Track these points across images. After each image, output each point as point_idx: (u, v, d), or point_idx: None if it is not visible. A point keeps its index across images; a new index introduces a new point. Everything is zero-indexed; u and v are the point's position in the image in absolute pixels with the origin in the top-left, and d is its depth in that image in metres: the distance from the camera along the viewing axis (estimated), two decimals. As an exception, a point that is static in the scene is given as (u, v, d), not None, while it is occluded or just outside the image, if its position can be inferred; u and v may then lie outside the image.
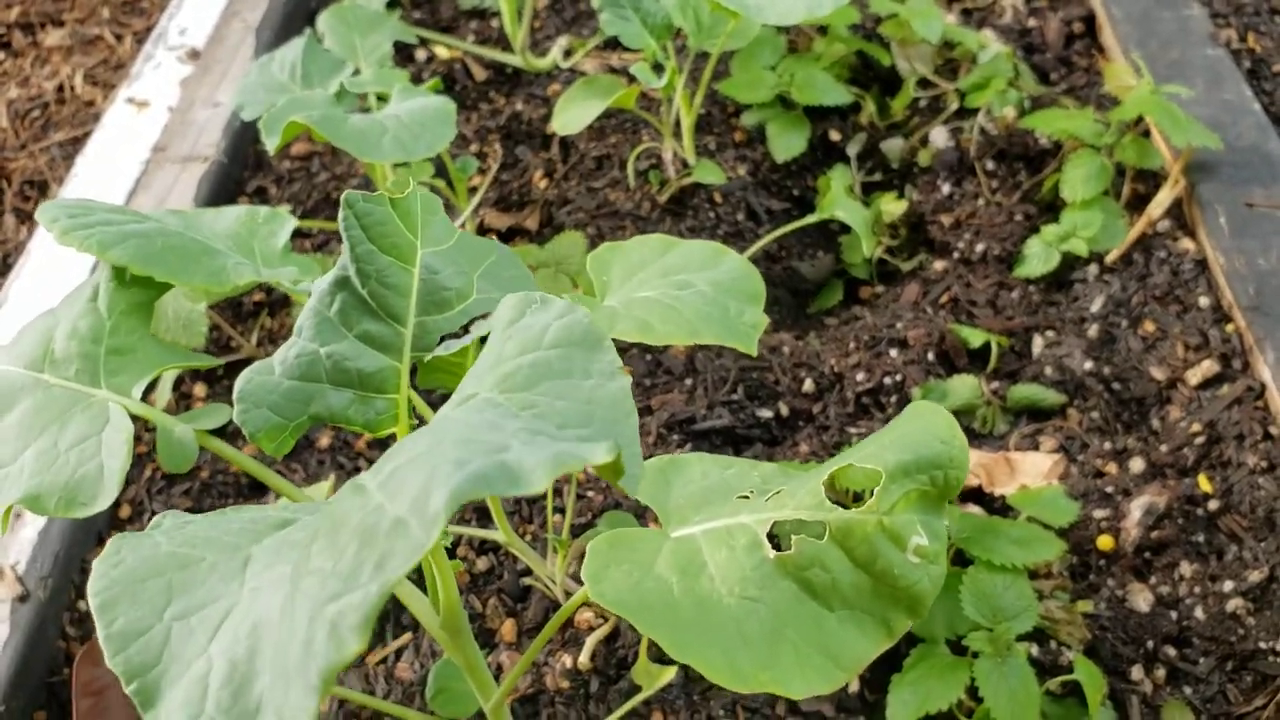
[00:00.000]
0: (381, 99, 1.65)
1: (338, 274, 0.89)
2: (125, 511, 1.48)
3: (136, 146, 1.95)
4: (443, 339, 0.93)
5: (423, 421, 1.47)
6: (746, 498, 0.91)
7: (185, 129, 1.97)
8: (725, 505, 0.90)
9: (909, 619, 0.85)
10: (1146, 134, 1.62)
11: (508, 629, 1.26)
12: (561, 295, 1.07)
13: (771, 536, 0.86)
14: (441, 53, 2.13)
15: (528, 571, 1.30)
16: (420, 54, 2.14)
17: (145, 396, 1.03)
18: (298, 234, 1.81)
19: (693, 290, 1.08)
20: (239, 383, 0.87)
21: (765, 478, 0.97)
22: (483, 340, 0.93)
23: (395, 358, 0.90)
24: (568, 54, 2.04)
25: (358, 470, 1.46)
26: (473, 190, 1.84)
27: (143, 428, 1.51)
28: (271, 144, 1.38)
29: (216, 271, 1.04)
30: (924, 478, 0.86)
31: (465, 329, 0.94)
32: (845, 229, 1.77)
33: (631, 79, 1.80)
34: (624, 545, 0.85)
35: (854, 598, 0.85)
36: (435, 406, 1.27)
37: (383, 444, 1.45)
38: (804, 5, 1.52)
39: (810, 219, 1.68)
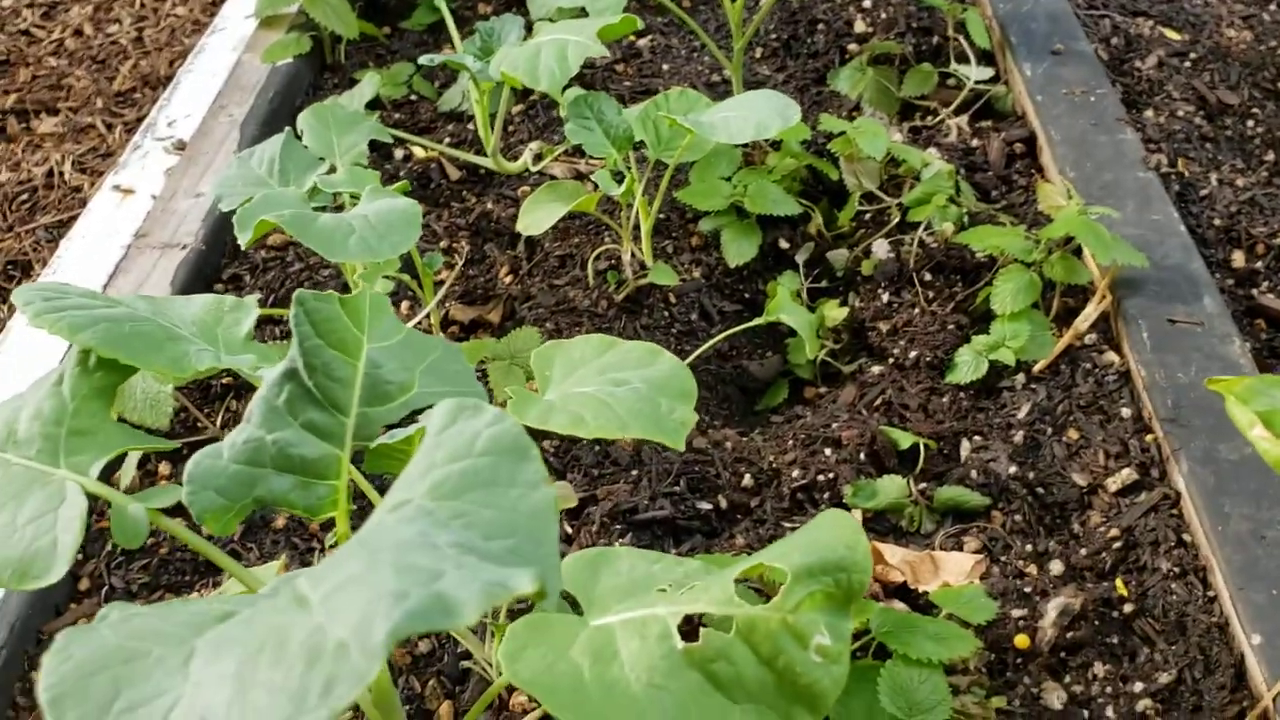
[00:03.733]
0: (354, 198, 1.73)
1: (287, 365, 0.96)
2: (85, 584, 1.53)
3: (119, 232, 2.03)
4: (386, 429, 1.00)
5: (365, 503, 1.52)
6: (665, 590, 0.97)
7: (167, 217, 2.06)
8: (646, 597, 0.96)
9: (810, 716, 0.90)
10: (1078, 252, 1.71)
11: (445, 711, 1.30)
12: (510, 390, 1.15)
13: (689, 630, 0.92)
14: (419, 152, 2.23)
15: (467, 655, 1.34)
16: (399, 152, 2.24)
17: (107, 476, 1.09)
18: (269, 321, 1.88)
19: (627, 387, 1.16)
20: (189, 465, 0.94)
21: (688, 573, 1.03)
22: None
23: (337, 446, 0.96)
24: (538, 158, 2.14)
25: (310, 552, 1.51)
26: (440, 284, 1.92)
27: (104, 505, 1.57)
28: (244, 239, 1.46)
29: (179, 357, 1.11)
30: (829, 580, 0.92)
31: (409, 419, 1.01)
32: (792, 332, 1.86)
33: (595, 184, 1.90)
34: (542, 629, 0.91)
35: (758, 692, 0.90)
36: (380, 488, 1.33)
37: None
38: (753, 126, 1.63)
39: (758, 321, 1.76)
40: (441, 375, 1.00)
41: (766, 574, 1.26)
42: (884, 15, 2.26)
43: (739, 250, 1.90)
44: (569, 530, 1.49)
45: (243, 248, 1.49)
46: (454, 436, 0.77)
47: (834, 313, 1.79)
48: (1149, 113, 2.07)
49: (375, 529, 0.69)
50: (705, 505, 1.52)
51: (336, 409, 0.96)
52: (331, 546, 1.43)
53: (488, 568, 0.65)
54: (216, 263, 1.99)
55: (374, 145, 2.20)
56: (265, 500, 0.94)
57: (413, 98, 2.37)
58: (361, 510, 1.49)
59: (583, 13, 2.09)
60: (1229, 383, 0.89)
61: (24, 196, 2.25)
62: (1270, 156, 2.03)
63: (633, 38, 2.52)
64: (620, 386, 1.14)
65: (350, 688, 0.57)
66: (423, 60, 1.88)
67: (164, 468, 1.66)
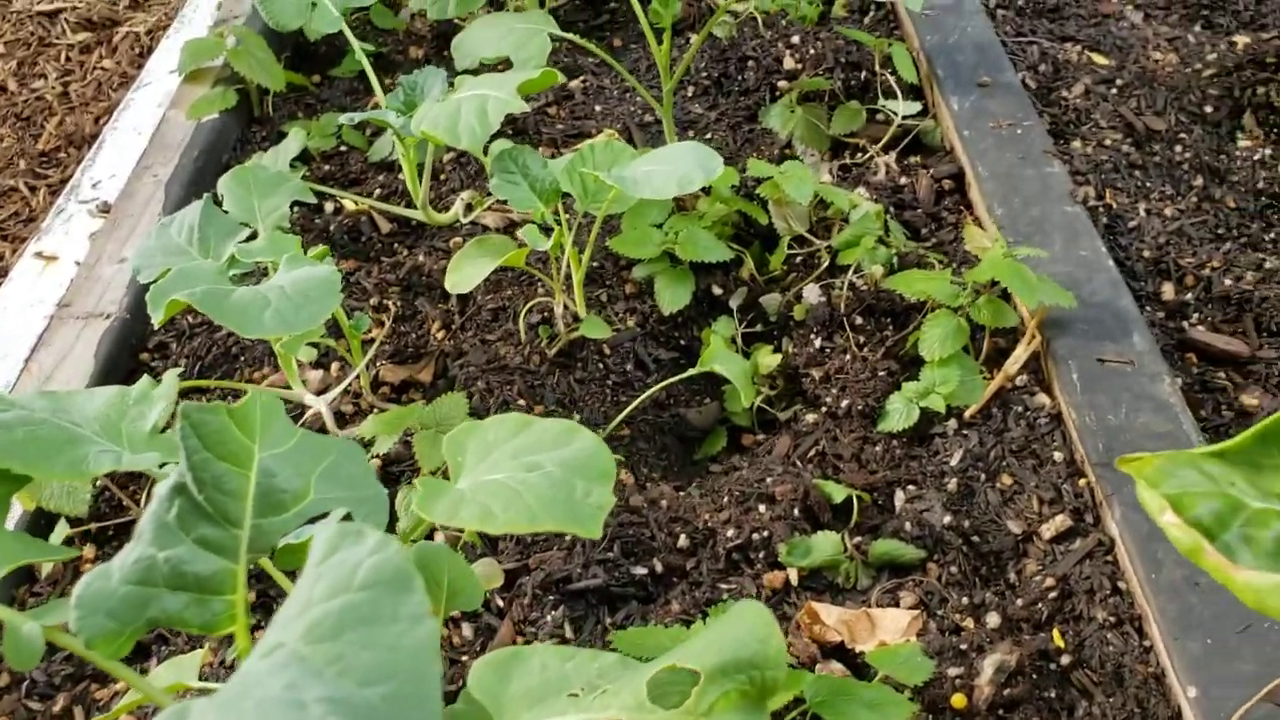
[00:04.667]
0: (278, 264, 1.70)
1: (175, 480, 0.93)
2: (4, 680, 1.48)
3: (42, 302, 1.99)
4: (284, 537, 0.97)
5: (280, 593, 1.48)
6: (577, 695, 0.95)
7: (91, 285, 2.01)
8: (557, 702, 0.94)
9: (730, 819, 0.88)
10: (1006, 292, 1.71)
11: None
12: (418, 482, 1.12)
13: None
14: (349, 205, 2.20)
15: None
16: (329, 206, 2.21)
17: (9, 590, 1.06)
18: (196, 391, 1.85)
19: (541, 472, 1.13)
20: (76, 589, 0.90)
21: (603, 670, 1.01)
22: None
23: (232, 560, 0.93)
24: (469, 208, 2.12)
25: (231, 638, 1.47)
26: (370, 343, 1.89)
27: None
28: (156, 318, 1.42)
29: (76, 462, 1.08)
30: (742, 678, 0.90)
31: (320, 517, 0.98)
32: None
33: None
34: (447, 745, 0.89)
35: (675, 798, 0.88)
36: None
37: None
38: (675, 182, 1.61)
39: (693, 371, 1.74)
40: (338, 479, 0.98)
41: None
42: (812, 51, 2.25)
43: (673, 297, 1.89)
44: (500, 604, 1.46)
45: (155, 325, 1.46)
46: (334, 568, 0.74)
47: (767, 359, 1.77)
48: (1076, 143, 2.07)
49: (242, 682, 0.66)
50: (640, 570, 1.49)
51: (229, 522, 0.93)
52: (235, 660, 1.40)
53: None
54: (142, 332, 1.95)
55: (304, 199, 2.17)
56: (159, 620, 0.91)
57: (343, 148, 2.34)
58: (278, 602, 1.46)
59: (508, 63, 2.07)
60: (1139, 464, 0.88)
61: (-55, 266, 2.20)
62: (1199, 181, 2.03)
63: (565, 79, 2.50)
64: (533, 471, 1.12)
65: None
66: (342, 119, 1.86)
67: (89, 550, 1.63)
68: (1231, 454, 0.96)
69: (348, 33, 2.13)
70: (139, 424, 1.22)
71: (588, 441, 1.19)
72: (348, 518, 0.97)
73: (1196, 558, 0.88)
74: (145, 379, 1.62)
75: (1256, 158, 2.09)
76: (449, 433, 1.19)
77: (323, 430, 1.74)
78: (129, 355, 1.91)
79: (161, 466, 1.11)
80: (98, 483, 1.68)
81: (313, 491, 0.96)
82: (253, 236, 1.75)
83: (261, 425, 0.96)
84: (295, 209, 2.17)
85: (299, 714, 0.61)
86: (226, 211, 1.79)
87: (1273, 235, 1.94)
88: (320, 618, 0.71)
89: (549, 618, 1.44)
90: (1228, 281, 1.82)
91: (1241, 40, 2.33)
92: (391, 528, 1.53)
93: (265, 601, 1.47)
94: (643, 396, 1.77)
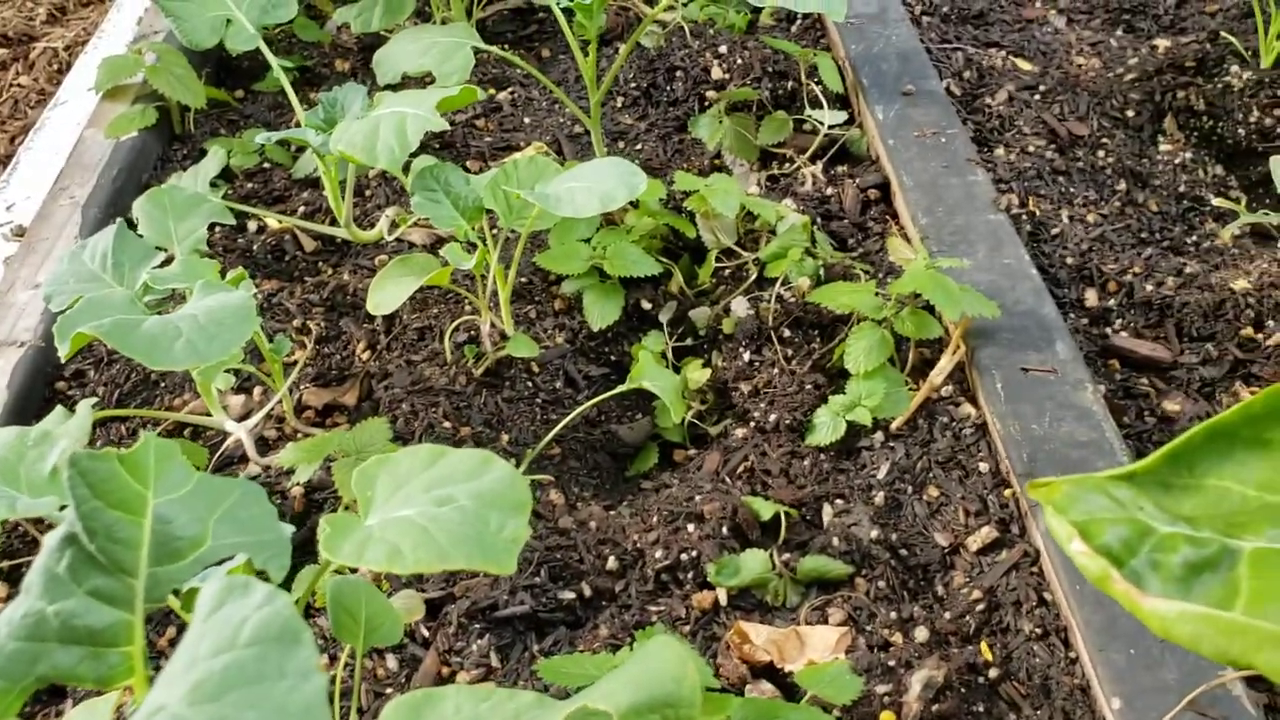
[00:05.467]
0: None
1: (66, 530, 0.90)
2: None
3: (-48, 331, 1.93)
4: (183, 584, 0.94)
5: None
6: (490, 735, 0.93)
7: (4, 311, 1.96)
8: (469, 744, 0.92)
9: None
10: (930, 304, 1.71)
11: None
12: (325, 520, 1.09)
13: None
14: (272, 223, 2.16)
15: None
16: (252, 224, 2.17)
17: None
18: (116, 419, 1.80)
19: (453, 506, 1.11)
20: (-39, 648, 0.87)
21: (519, 711, 0.99)
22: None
23: (127, 610, 0.91)
24: (394, 225, 2.09)
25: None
26: (292, 365, 1.85)
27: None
28: (62, 351, 1.38)
29: (-31, 509, 1.04)
30: (655, 718, 0.89)
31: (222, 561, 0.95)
32: (659, 395, 1.83)
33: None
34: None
35: (589, 840, 0.86)
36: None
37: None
38: (598, 199, 1.59)
39: (623, 388, 1.73)
40: (237, 523, 0.95)
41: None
42: (740, 61, 2.25)
43: (602, 313, 1.87)
44: (425, 634, 1.44)
45: (62, 359, 1.42)
46: (219, 624, 0.72)
47: (697, 374, 1.76)
48: (1000, 150, 2.08)
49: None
50: (569, 594, 1.48)
51: (124, 572, 0.90)
52: (132, 714, 1.36)
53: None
54: (57, 360, 1.89)
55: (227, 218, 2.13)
56: (50, 677, 0.88)
57: (266, 165, 2.29)
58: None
59: (430, 78, 2.05)
60: (1048, 489, 0.86)
61: None
62: (1121, 186, 2.05)
63: (493, 90, 2.48)
64: (445, 505, 1.09)
65: None
66: (259, 139, 1.82)
67: (1, 589, 1.58)
68: (1140, 476, 0.95)
69: (265, 50, 2.09)
70: (38, 466, 1.18)
71: (503, 472, 1.16)
72: (248, 564, 0.95)
73: (1105, 586, 0.88)
74: (59, 410, 1.58)
75: (1178, 161, 2.11)
76: (359, 466, 1.17)
77: (244, 459, 1.71)
78: (44, 384, 1.86)
79: (61, 509, 1.07)
80: (9, 519, 1.63)
81: (210, 537, 0.93)
82: (169, 260, 1.71)
83: (156, 469, 0.93)
84: (216, 229, 2.13)
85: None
86: (141, 235, 1.74)
87: (1194, 239, 1.96)
88: (204, 677, 0.69)
89: (475, 646, 1.42)
90: (1149, 287, 1.83)
91: (1162, 44, 2.36)
92: (315, 558, 1.50)
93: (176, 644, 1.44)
94: (573, 414, 1.75)
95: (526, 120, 2.39)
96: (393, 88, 2.05)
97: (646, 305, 1.92)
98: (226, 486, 0.98)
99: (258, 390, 1.85)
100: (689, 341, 1.90)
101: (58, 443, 1.21)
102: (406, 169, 1.89)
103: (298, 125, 2.19)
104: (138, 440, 1.01)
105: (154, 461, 0.93)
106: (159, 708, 0.69)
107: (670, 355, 1.87)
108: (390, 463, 1.18)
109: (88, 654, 0.90)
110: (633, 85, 2.38)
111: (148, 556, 0.91)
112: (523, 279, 1.98)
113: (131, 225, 1.76)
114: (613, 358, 1.92)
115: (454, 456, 1.18)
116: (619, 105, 2.38)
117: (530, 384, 1.83)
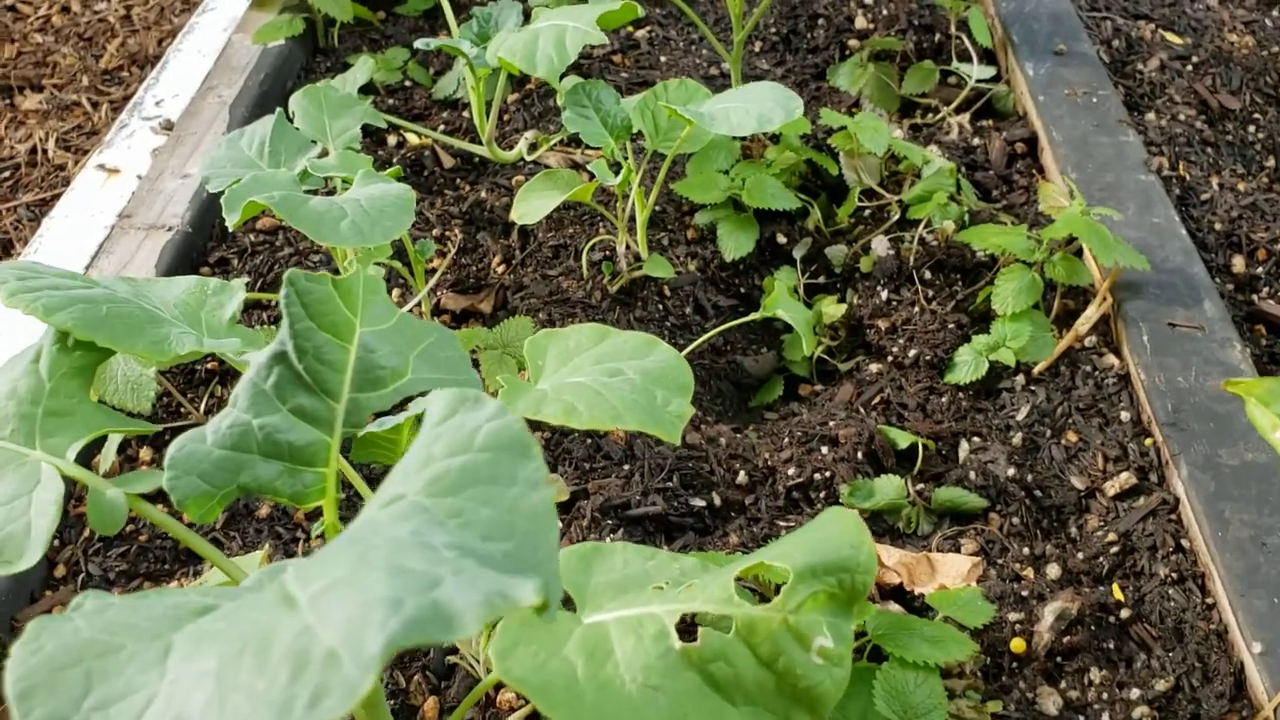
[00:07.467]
0: (346, 182, 1.70)
1: (276, 348, 0.93)
2: (61, 571, 1.49)
3: (103, 212, 1.99)
4: (377, 415, 0.96)
5: (352, 493, 1.48)
6: (662, 588, 0.94)
7: (153, 198, 2.02)
8: (641, 594, 0.93)
9: (810, 719, 0.87)
10: (1079, 253, 1.69)
11: (430, 707, 1.27)
12: (502, 378, 1.12)
13: (686, 628, 0.89)
14: (412, 139, 2.19)
15: (454, 650, 1.31)
16: (392, 139, 2.20)
17: (86, 459, 1.05)
18: (257, 306, 1.85)
19: (622, 378, 1.12)
20: (171, 449, 0.90)
21: (685, 570, 1.00)
22: (418, 419, 0.96)
23: (326, 432, 0.93)
24: (533, 147, 2.11)
25: (295, 542, 1.48)
26: (431, 272, 1.88)
27: (82, 490, 1.53)
28: (231, 220, 1.42)
29: (159, 340, 1.07)
30: (832, 580, 0.90)
31: (401, 406, 0.98)
32: (788, 328, 1.83)
33: (591, 174, 1.86)
34: (534, 626, 0.88)
35: (756, 694, 0.87)
36: (369, 479, 1.30)
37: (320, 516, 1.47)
38: (755, 119, 1.60)
39: (754, 316, 1.73)
40: (435, 362, 0.97)
41: (764, 574, 1.24)
42: (885, 11, 2.23)
43: (735, 244, 1.88)
44: (559, 524, 1.46)
45: (230, 229, 1.45)
46: (453, 429, 0.74)
47: (831, 309, 1.76)
48: (1150, 115, 2.05)
49: (367, 525, 0.66)
50: (699, 502, 1.49)
51: (327, 394, 0.93)
52: (318, 537, 1.39)
53: (487, 574, 0.60)
54: (203, 246, 1.95)
55: (367, 130, 2.17)
56: (250, 487, 0.91)
57: (407, 84, 2.33)
58: (348, 500, 1.46)
59: (582, -2, 2.06)
60: (1249, 385, 0.87)
61: (6, 174, 2.20)
62: (1271, 162, 2.01)
63: (630, 28, 2.49)
64: (615, 377, 1.11)
65: (341, 701, 0.52)
66: (418, 44, 1.85)
67: (145, 453, 1.63)
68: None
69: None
70: (218, 313, 1.22)
71: (667, 354, 1.18)
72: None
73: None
74: (216, 279, 1.62)
75: (1330, 143, 2.07)
76: (530, 337, 1.19)
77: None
78: (190, 268, 1.91)
79: (240, 355, 1.11)
80: (158, 387, 1.68)
81: (410, 371, 0.96)
82: (323, 154, 1.75)
83: (364, 301, 0.95)
84: (361, 137, 2.16)
85: (430, 555, 0.61)
86: (297, 129, 1.78)
87: (1345, 218, 1.92)
88: (441, 473, 0.71)
89: (606, 541, 1.43)
90: (1299, 259, 1.80)
91: (1318, 28, 2.31)
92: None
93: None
94: (701, 339, 1.76)
95: (663, 59, 2.40)
96: (545, 6, 2.07)
97: (781, 240, 1.92)
98: (425, 328, 1.00)
99: (396, 291, 1.88)
100: (821, 280, 1.89)
101: (236, 293, 1.24)
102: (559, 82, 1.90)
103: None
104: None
105: (362, 292, 0.96)
106: (397, 496, 0.71)
107: (802, 291, 1.87)
108: (559, 337, 1.20)
109: (285, 470, 0.93)
110: (772, 31, 2.38)
111: (350, 382, 0.94)
112: (656, 208, 1.99)
113: (288, 118, 1.80)
114: (742, 290, 1.92)
115: (620, 336, 1.20)
116: (757, 50, 2.38)
117: (661, 306, 1.84)
